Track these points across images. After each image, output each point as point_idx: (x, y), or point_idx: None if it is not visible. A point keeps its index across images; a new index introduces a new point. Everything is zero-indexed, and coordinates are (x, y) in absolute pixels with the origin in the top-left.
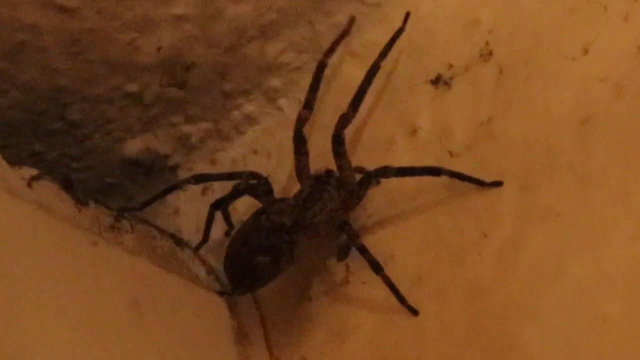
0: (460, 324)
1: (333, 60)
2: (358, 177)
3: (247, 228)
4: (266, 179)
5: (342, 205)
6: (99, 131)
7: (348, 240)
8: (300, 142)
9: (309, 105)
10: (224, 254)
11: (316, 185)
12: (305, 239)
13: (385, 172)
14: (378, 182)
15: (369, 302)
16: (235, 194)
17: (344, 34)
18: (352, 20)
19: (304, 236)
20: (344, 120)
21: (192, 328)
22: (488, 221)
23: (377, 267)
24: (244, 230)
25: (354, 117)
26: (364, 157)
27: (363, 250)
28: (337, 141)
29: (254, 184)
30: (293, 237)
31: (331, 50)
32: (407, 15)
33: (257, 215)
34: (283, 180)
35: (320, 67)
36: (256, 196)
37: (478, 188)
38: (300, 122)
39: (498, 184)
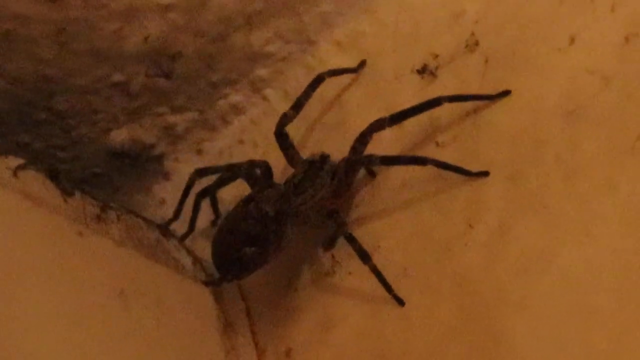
0: (447, 315)
1: (318, 50)
2: None
3: (236, 215)
4: (266, 163)
5: (333, 192)
6: (85, 121)
7: (336, 230)
8: (282, 138)
9: (296, 107)
10: (210, 242)
11: (310, 170)
12: (294, 227)
13: (371, 160)
14: (373, 175)
15: (355, 293)
16: (222, 182)
17: (352, 70)
18: (362, 64)
19: (293, 224)
20: (376, 124)
21: (177, 318)
22: (475, 212)
23: (365, 257)
24: (231, 217)
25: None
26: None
27: (351, 240)
28: (363, 140)
29: (252, 171)
30: (281, 227)
31: (334, 73)
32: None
33: (246, 202)
34: None
35: (318, 80)
36: (249, 181)
37: (464, 179)
38: (284, 121)
39: (484, 174)
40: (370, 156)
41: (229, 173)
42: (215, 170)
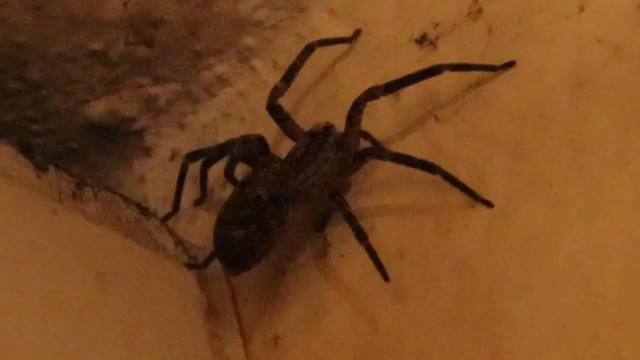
0: (445, 301)
1: (310, 17)
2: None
3: (233, 204)
4: (261, 138)
5: (337, 169)
6: (60, 92)
7: (333, 207)
8: (275, 111)
9: (286, 79)
10: (196, 224)
11: (312, 143)
12: (297, 206)
13: (382, 154)
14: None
15: (348, 277)
16: (212, 160)
17: (346, 40)
18: (357, 33)
19: (295, 204)
20: (370, 92)
21: (158, 303)
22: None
23: (361, 236)
24: (229, 206)
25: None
26: (344, 120)
27: (350, 218)
28: (357, 109)
29: (247, 149)
30: (281, 209)
31: (326, 43)
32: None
33: (242, 186)
34: None
35: (308, 49)
36: (246, 161)
37: (465, 155)
38: (275, 93)
39: (489, 204)
40: (383, 150)
41: (223, 152)
42: (208, 152)
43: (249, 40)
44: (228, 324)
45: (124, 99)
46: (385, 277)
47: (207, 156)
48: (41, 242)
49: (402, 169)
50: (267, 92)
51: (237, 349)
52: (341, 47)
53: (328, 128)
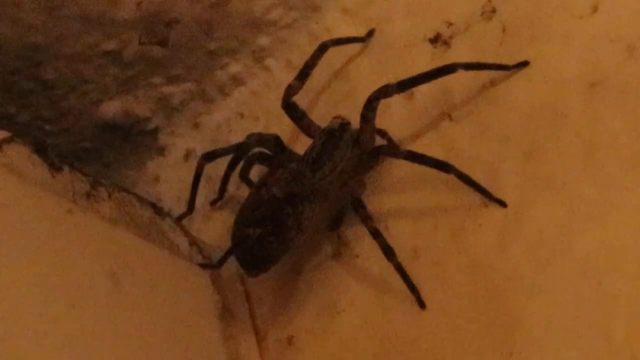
0: (459, 300)
1: (324, 17)
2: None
3: (250, 203)
4: (276, 137)
5: (354, 167)
6: (74, 92)
7: (362, 222)
8: (291, 109)
9: (301, 77)
10: (210, 224)
11: (328, 141)
12: (314, 205)
13: (396, 152)
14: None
15: (362, 277)
16: (234, 163)
17: (360, 39)
18: (371, 32)
19: (313, 202)
20: (383, 90)
21: (172, 303)
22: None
23: (389, 253)
24: (246, 206)
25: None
26: (358, 120)
27: (376, 234)
28: (370, 106)
29: (264, 149)
30: (297, 208)
31: (340, 42)
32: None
33: (258, 187)
34: None
35: (321, 48)
36: (265, 164)
37: (479, 155)
38: (290, 92)
39: (503, 203)
40: (397, 148)
41: (239, 153)
42: (223, 152)
43: (263, 40)
44: (242, 324)
45: (138, 98)
46: (421, 304)
47: (222, 156)
48: (55, 242)
49: (416, 168)
50: (281, 91)
51: (252, 349)
52: (355, 47)
53: (344, 125)
